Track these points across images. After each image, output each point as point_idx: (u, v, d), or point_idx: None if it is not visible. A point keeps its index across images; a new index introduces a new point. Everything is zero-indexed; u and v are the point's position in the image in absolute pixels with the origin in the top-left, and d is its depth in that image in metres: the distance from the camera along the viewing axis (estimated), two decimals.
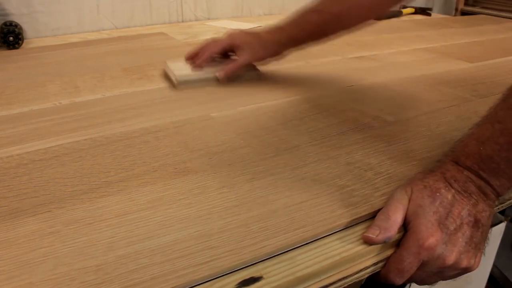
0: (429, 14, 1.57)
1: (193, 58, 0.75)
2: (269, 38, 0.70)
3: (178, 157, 0.48)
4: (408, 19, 1.50)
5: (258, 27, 1.24)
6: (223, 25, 1.26)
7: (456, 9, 1.90)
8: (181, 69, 0.73)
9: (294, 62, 0.87)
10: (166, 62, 0.77)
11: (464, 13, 1.87)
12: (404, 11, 1.54)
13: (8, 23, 0.98)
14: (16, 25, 0.98)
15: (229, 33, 0.75)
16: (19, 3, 1.05)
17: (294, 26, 0.68)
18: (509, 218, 0.66)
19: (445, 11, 1.94)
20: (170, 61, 0.77)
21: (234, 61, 0.71)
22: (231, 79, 0.71)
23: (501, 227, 0.66)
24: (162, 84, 0.73)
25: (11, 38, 0.96)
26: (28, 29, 1.07)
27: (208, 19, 1.36)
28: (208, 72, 0.72)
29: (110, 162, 0.47)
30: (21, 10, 1.05)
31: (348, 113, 0.61)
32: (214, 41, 0.76)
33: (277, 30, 0.70)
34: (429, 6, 1.81)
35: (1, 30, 0.96)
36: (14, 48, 0.97)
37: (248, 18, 1.39)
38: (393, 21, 1.44)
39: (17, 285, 0.31)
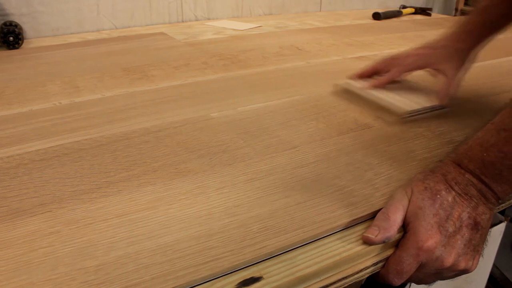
0: (429, 14, 1.57)
1: (370, 76, 0.68)
2: (461, 48, 0.63)
3: (178, 157, 0.48)
4: (408, 19, 1.50)
5: (258, 27, 1.24)
6: (223, 25, 1.26)
7: (456, 9, 1.90)
8: (391, 97, 0.62)
9: (294, 62, 0.87)
10: (351, 84, 0.68)
11: (464, 13, 1.86)
12: (404, 11, 1.54)
13: (8, 23, 0.98)
14: (16, 25, 0.98)
15: (414, 53, 0.66)
16: (19, 3, 1.05)
17: (480, 28, 0.63)
18: (509, 218, 0.66)
19: (445, 11, 1.94)
20: (355, 83, 0.68)
21: (448, 82, 0.62)
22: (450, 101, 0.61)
23: (501, 227, 0.66)
24: (162, 84, 0.73)
25: (11, 38, 0.96)
26: (28, 29, 1.07)
27: (208, 19, 1.37)
28: (420, 98, 0.62)
29: (110, 162, 0.47)
30: (21, 10, 1.05)
31: (348, 113, 0.61)
32: (396, 60, 0.67)
33: (462, 36, 0.63)
34: (429, 6, 1.81)
35: (1, 30, 0.96)
36: (14, 48, 0.97)
37: (248, 18, 1.39)
38: (393, 21, 1.44)
39: (17, 285, 0.31)
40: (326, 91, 0.71)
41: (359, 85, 0.66)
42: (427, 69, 0.65)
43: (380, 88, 0.65)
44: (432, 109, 0.61)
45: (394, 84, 0.66)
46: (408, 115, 0.58)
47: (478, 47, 0.63)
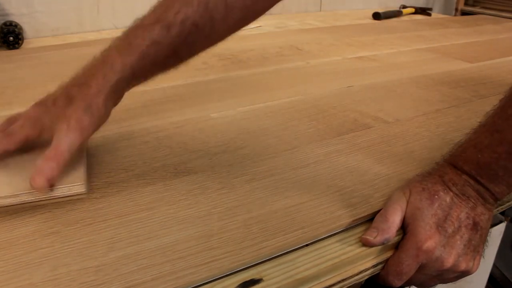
0: (429, 14, 1.57)
1: None
2: (87, 94, 0.41)
3: (178, 158, 0.48)
4: (408, 19, 1.50)
5: (258, 27, 1.24)
6: None
7: (456, 9, 1.90)
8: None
9: (294, 62, 0.87)
10: None
11: (464, 13, 1.87)
12: (404, 11, 1.54)
13: (8, 23, 0.98)
14: (16, 25, 0.98)
15: (27, 113, 0.42)
16: (19, 3, 1.05)
17: (126, 55, 0.42)
18: (509, 218, 0.66)
19: (445, 11, 1.94)
20: None
21: (48, 153, 0.38)
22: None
23: (501, 227, 0.66)
24: (162, 84, 0.73)
25: (11, 38, 0.96)
26: (28, 29, 1.07)
27: None
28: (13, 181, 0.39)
29: (110, 162, 0.47)
30: (21, 10, 1.05)
31: (348, 113, 0.61)
32: (9, 124, 0.43)
33: (96, 72, 0.42)
34: (429, 6, 1.81)
35: (1, 30, 0.95)
36: (14, 48, 0.97)
37: None
38: (393, 21, 1.44)
39: (17, 285, 0.31)
40: (326, 91, 0.71)
41: None
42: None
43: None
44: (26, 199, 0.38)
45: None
46: None
47: (121, 85, 0.43)
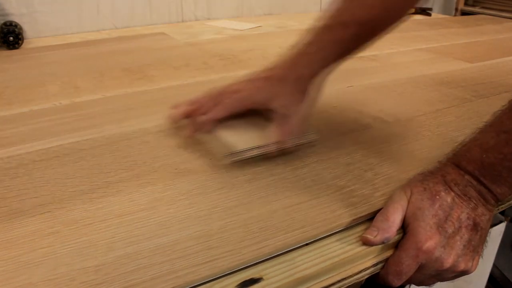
0: (429, 14, 1.57)
1: (191, 115, 0.52)
2: (297, 76, 0.51)
3: (178, 158, 0.48)
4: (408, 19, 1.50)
5: (258, 27, 1.24)
6: (223, 25, 1.26)
7: (456, 9, 1.90)
8: (218, 136, 0.50)
9: None
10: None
11: (464, 13, 1.87)
12: None
13: (8, 23, 0.98)
14: (16, 25, 0.98)
15: (239, 88, 0.52)
16: (19, 3, 1.05)
17: (319, 50, 0.51)
18: (509, 218, 0.66)
19: (445, 11, 1.94)
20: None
21: (282, 124, 0.48)
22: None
23: (501, 227, 0.66)
24: (162, 84, 0.73)
25: (11, 38, 0.96)
26: (28, 29, 1.07)
27: (208, 19, 1.36)
28: (252, 139, 0.48)
29: (110, 163, 0.47)
30: (21, 10, 1.05)
31: (348, 113, 0.61)
32: (218, 96, 0.53)
33: (300, 60, 0.52)
34: (429, 6, 1.81)
35: (1, 30, 0.96)
36: (14, 48, 0.97)
37: (248, 18, 1.39)
38: None
39: (17, 285, 0.31)
40: (326, 91, 0.70)
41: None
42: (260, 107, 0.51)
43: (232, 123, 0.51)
44: (264, 152, 0.48)
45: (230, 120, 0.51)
46: (232, 157, 0.47)
47: (326, 71, 0.51)
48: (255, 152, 0.47)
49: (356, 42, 0.51)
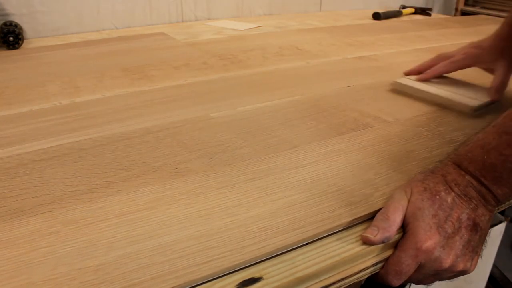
0: (429, 14, 1.57)
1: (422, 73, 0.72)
2: (508, 46, 0.65)
3: (178, 157, 0.48)
4: (408, 19, 1.50)
5: (258, 27, 1.24)
6: (223, 25, 1.26)
7: (456, 9, 1.90)
8: (448, 93, 0.66)
9: (294, 62, 0.87)
10: (405, 80, 0.71)
11: (464, 13, 1.87)
12: (404, 11, 1.54)
13: (8, 23, 0.98)
14: (16, 25, 0.98)
15: (462, 51, 0.70)
16: (19, 3, 1.05)
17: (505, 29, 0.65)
18: (509, 218, 0.66)
19: (445, 11, 1.94)
20: (409, 82, 0.71)
21: (497, 78, 0.64)
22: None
23: (501, 227, 0.66)
24: (162, 84, 0.73)
25: (11, 38, 0.96)
26: (28, 29, 1.07)
27: (208, 19, 1.36)
28: (478, 94, 0.65)
29: (110, 162, 0.47)
30: (21, 10, 1.05)
31: (348, 113, 0.61)
32: (445, 58, 0.71)
33: (507, 33, 0.65)
34: (429, 6, 1.81)
35: (1, 30, 0.96)
36: (14, 48, 0.97)
37: (248, 18, 1.39)
38: (393, 21, 1.44)
39: (17, 285, 0.31)
40: (326, 91, 0.71)
41: (412, 81, 0.70)
42: (477, 67, 0.69)
43: (435, 84, 0.69)
44: (490, 103, 0.64)
45: (444, 80, 0.71)
46: (474, 111, 0.61)
47: None
48: (484, 105, 0.62)
49: None
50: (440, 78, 0.71)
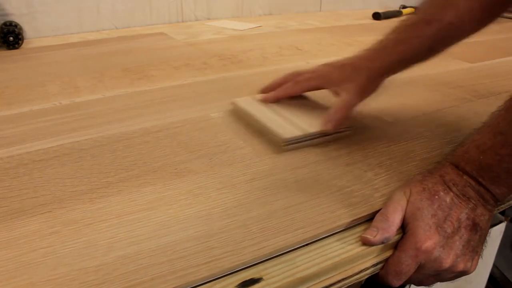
0: None
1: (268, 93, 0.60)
2: (371, 67, 0.54)
3: (178, 158, 0.48)
4: None
5: (258, 27, 1.24)
6: (223, 25, 1.26)
7: None
8: (275, 119, 0.54)
9: (294, 62, 0.87)
10: (238, 104, 0.59)
11: None
12: (404, 11, 1.54)
13: (8, 23, 0.98)
14: (16, 25, 0.98)
15: (315, 69, 0.59)
16: (19, 3, 1.05)
17: (398, 44, 0.53)
18: (509, 218, 0.66)
19: None
20: (245, 103, 0.59)
21: (338, 105, 0.53)
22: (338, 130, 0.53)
23: (501, 227, 0.66)
24: (162, 84, 0.73)
25: (11, 38, 0.96)
26: (28, 29, 1.07)
27: (208, 19, 1.36)
28: (307, 123, 0.53)
29: (110, 162, 0.47)
30: (21, 10, 1.05)
31: None
32: (296, 76, 0.60)
33: (377, 53, 0.55)
34: None
35: (1, 30, 0.96)
36: (14, 48, 0.97)
37: (248, 18, 1.39)
38: (393, 21, 1.44)
39: (17, 285, 0.31)
40: (326, 91, 0.70)
41: (250, 102, 0.59)
42: (326, 89, 0.57)
43: (275, 106, 0.57)
44: (318, 135, 0.52)
45: (291, 102, 0.58)
46: (285, 144, 0.50)
47: (394, 67, 0.54)
48: (304, 137, 0.51)
49: (437, 41, 0.52)
50: (293, 99, 0.59)
